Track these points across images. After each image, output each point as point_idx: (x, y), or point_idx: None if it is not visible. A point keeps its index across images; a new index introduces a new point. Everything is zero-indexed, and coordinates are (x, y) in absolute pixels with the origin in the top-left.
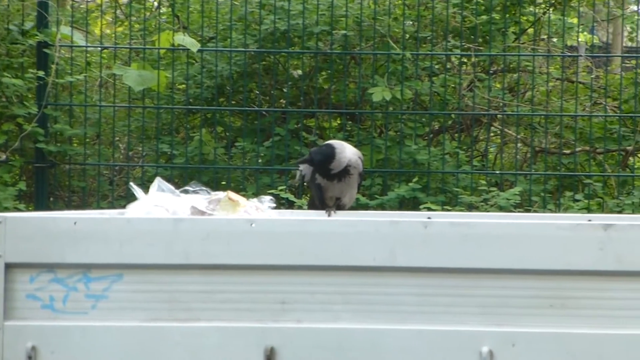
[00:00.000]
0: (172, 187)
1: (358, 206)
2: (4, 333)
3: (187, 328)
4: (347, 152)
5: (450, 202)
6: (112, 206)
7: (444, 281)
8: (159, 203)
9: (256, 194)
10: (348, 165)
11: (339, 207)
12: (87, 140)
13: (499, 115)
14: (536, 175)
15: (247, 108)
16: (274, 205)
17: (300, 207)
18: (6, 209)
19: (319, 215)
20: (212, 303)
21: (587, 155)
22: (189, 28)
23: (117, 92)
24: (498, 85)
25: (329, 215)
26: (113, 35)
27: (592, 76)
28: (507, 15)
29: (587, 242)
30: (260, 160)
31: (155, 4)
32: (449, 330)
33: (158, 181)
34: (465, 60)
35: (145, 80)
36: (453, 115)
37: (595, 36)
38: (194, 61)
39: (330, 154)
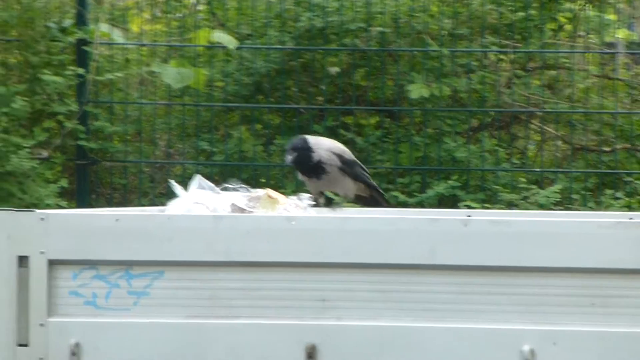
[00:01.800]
0: (212, 185)
1: (397, 204)
2: (48, 330)
3: (227, 325)
4: (321, 146)
5: (490, 200)
6: (153, 203)
7: (484, 279)
8: (199, 200)
9: (295, 192)
10: (320, 162)
11: (336, 203)
12: (128, 137)
13: (537, 113)
14: (576, 173)
15: (285, 105)
16: (313, 202)
17: (338, 205)
18: (48, 206)
19: (358, 213)
20: (253, 300)
21: (627, 153)
22: (226, 25)
23: (157, 90)
24: (536, 82)
25: (333, 210)
26: (151, 32)
27: (632, 73)
28: (544, 11)
29: (629, 240)
30: None
31: (193, 1)
32: (489, 328)
33: (198, 178)
34: (503, 57)
35: (183, 77)
36: (492, 113)
37: (633, 32)
38: (231, 58)
39: (304, 141)
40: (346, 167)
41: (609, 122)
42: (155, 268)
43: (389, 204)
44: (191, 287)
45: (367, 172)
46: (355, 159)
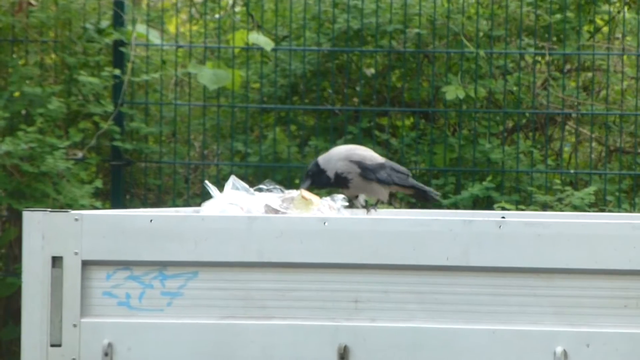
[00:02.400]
0: (247, 186)
1: (431, 205)
2: (81, 330)
3: (261, 326)
4: (336, 159)
5: (525, 202)
6: (187, 204)
7: (518, 281)
8: (234, 201)
9: (329, 193)
10: (337, 174)
11: (372, 205)
12: (163, 138)
13: (573, 114)
14: (611, 175)
15: (320, 107)
16: (347, 203)
17: (373, 206)
18: (83, 207)
19: (392, 214)
20: (286, 301)
21: None
22: (263, 27)
23: (192, 91)
24: (572, 84)
25: (368, 212)
26: (188, 34)
27: None
28: (582, 13)
29: None
30: None
31: (230, 2)
32: (522, 330)
33: (233, 179)
34: (539, 58)
35: (219, 79)
36: (527, 114)
37: None
38: (267, 60)
39: (315, 164)
40: (368, 172)
41: None
42: (189, 269)
43: (435, 199)
44: (225, 288)
45: (402, 173)
46: (382, 162)
